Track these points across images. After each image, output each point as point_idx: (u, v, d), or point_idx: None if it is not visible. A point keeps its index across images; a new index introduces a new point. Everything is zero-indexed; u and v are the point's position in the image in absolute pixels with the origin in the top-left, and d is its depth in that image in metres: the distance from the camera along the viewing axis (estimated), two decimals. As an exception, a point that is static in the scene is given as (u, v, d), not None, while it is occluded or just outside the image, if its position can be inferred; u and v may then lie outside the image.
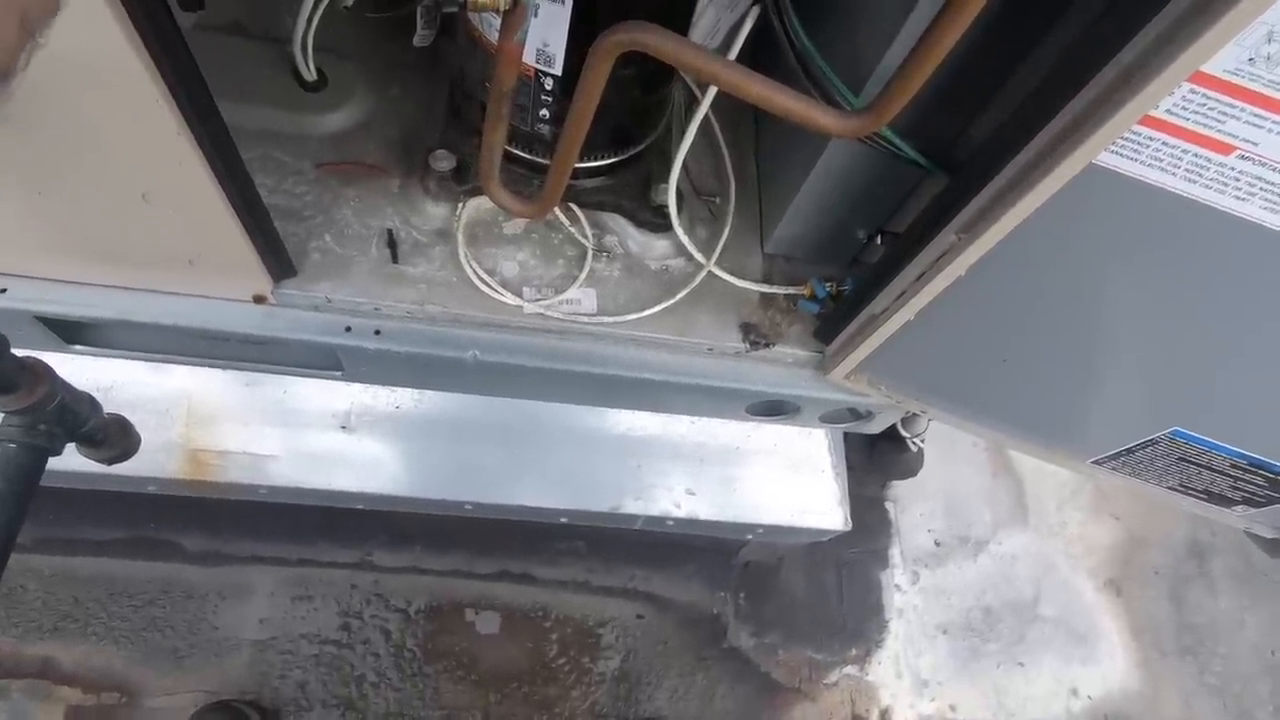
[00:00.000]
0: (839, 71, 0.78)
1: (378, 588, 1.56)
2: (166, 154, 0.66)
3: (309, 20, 0.92)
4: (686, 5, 0.83)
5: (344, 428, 1.15)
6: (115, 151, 0.67)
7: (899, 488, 1.87)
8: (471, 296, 0.96)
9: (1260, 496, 0.97)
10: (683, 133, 0.94)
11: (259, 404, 1.13)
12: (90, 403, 0.83)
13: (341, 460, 1.15)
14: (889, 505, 1.87)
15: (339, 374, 1.04)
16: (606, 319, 0.98)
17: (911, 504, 1.88)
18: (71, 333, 0.97)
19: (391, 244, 0.96)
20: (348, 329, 0.94)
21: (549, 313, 0.97)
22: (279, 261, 0.89)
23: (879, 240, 1.03)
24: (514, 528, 1.48)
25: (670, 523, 1.28)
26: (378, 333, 0.95)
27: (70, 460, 0.83)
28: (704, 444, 1.26)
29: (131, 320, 0.90)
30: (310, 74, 1.00)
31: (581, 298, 1.00)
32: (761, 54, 0.93)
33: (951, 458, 1.92)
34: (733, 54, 0.83)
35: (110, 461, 0.89)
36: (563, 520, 1.29)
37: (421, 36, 1.01)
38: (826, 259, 1.07)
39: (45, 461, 0.76)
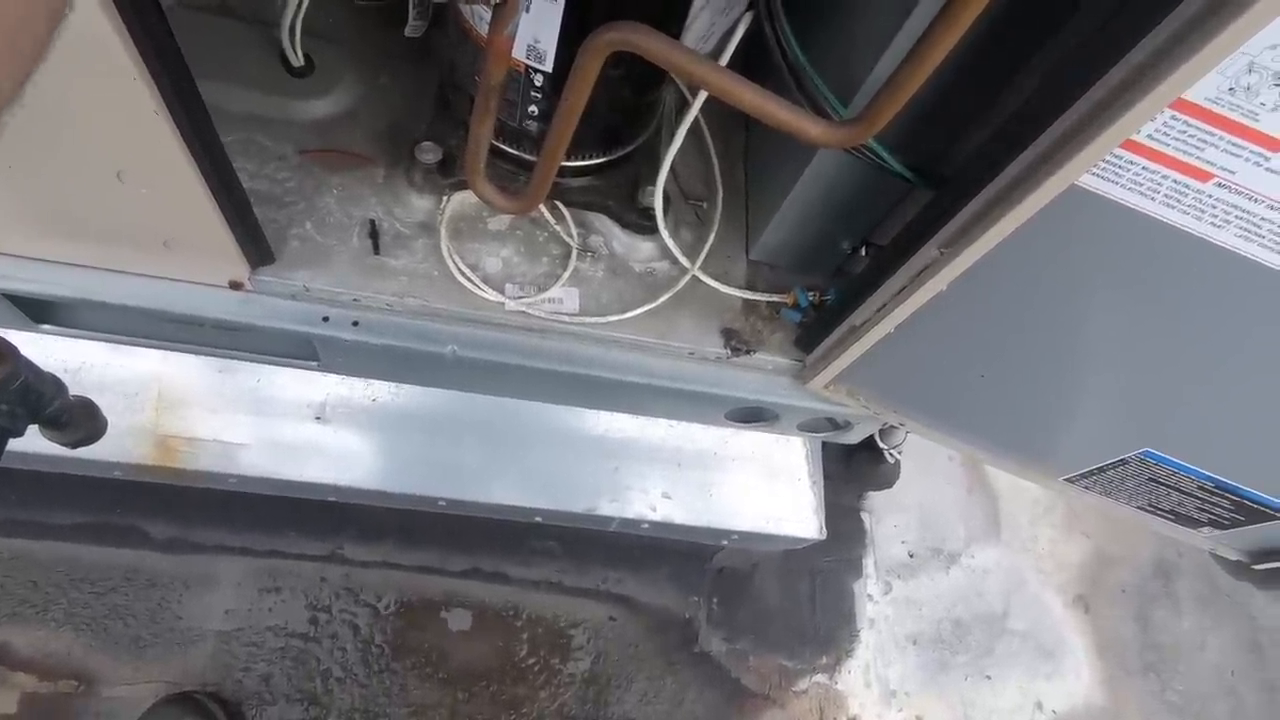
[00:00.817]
0: (829, 81, 0.78)
1: (348, 581, 1.54)
2: (142, 132, 0.65)
3: (298, 4, 0.90)
4: (681, 7, 0.83)
5: (318, 419, 1.14)
6: (89, 127, 0.66)
7: (875, 498, 1.88)
8: (453, 291, 0.95)
9: (1226, 519, 0.98)
10: (672, 135, 0.94)
11: (232, 391, 1.11)
12: (56, 384, 0.80)
13: (315, 451, 1.13)
14: (864, 515, 1.88)
15: (315, 364, 1.02)
16: (588, 319, 0.97)
17: (887, 515, 1.89)
18: (40, 311, 0.95)
19: (373, 234, 0.95)
20: (325, 319, 0.93)
21: (531, 310, 0.96)
22: (257, 247, 0.87)
23: (863, 251, 1.04)
24: (488, 525, 1.47)
25: (645, 525, 1.27)
26: (356, 324, 0.94)
27: (34, 442, 0.81)
28: (682, 448, 1.26)
29: (102, 301, 0.88)
30: (297, 59, 0.99)
31: (564, 297, 0.99)
32: (754, 60, 0.93)
33: (928, 471, 1.93)
34: (725, 59, 0.82)
35: (75, 445, 0.87)
36: (537, 519, 1.28)
37: (413, 27, 1.00)
38: (810, 268, 1.07)
39: (5, 442, 0.74)
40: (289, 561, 1.52)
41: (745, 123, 1.16)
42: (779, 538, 1.30)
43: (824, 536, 1.31)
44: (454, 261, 0.96)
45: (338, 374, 1.09)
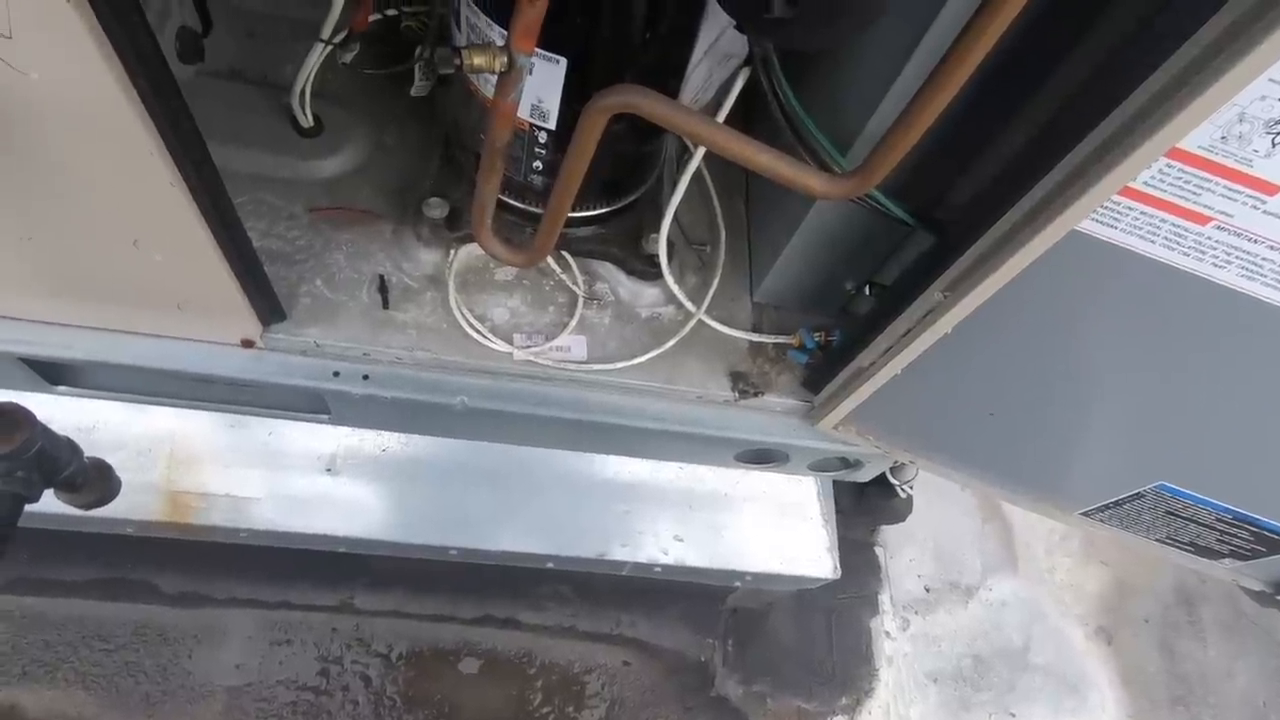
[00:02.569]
0: (827, 131, 0.80)
1: (359, 632, 1.52)
2: (159, 204, 0.67)
3: (309, 72, 0.93)
4: (678, 62, 0.85)
5: (329, 470, 1.14)
6: (108, 200, 0.68)
7: (888, 532, 1.86)
8: (461, 343, 0.96)
9: (1246, 550, 0.97)
10: (675, 183, 0.96)
11: (243, 446, 1.11)
12: (70, 448, 0.81)
13: (325, 503, 1.13)
14: (878, 550, 1.86)
15: (326, 418, 1.03)
16: (596, 366, 0.98)
17: (901, 549, 1.87)
18: (55, 374, 0.96)
19: (383, 289, 0.97)
20: (336, 374, 0.94)
21: (539, 359, 0.97)
22: (268, 306, 0.89)
23: (867, 291, 1.04)
24: (500, 570, 1.46)
25: (658, 569, 1.26)
26: (366, 378, 0.94)
27: (47, 502, 0.82)
28: (692, 490, 1.25)
29: (116, 363, 0.89)
30: (307, 120, 1.01)
31: (571, 345, 1.00)
32: (753, 108, 0.95)
33: (941, 502, 1.92)
34: (724, 111, 0.84)
35: (88, 507, 0.88)
36: (549, 566, 1.28)
37: (419, 87, 1.02)
38: (815, 308, 1.08)
39: (21, 508, 0.74)
40: (299, 613, 1.51)
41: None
42: (793, 578, 1.29)
43: (838, 575, 1.30)
44: (462, 313, 0.97)
45: (349, 426, 1.09)
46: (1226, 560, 1.01)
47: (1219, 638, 1.95)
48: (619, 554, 1.23)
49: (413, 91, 1.02)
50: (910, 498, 1.62)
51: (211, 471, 1.11)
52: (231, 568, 1.47)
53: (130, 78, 0.55)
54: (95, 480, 0.87)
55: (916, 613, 1.83)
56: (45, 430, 0.76)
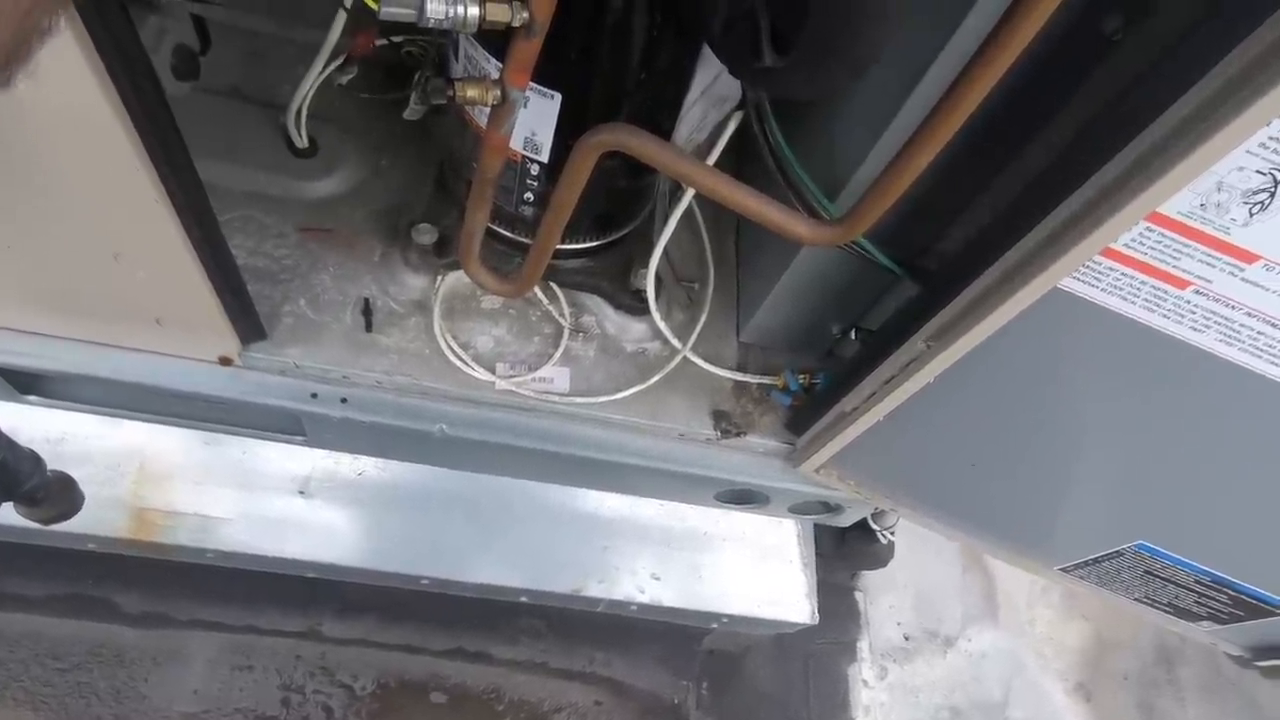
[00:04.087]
0: (816, 177, 0.81)
1: (324, 660, 1.48)
2: (143, 220, 0.66)
3: (306, 93, 0.93)
4: (673, 102, 0.86)
5: (302, 493, 1.12)
6: (90, 213, 0.67)
7: (869, 577, 1.84)
8: (443, 370, 0.95)
9: (1224, 613, 0.96)
10: (665, 219, 0.96)
11: (216, 464, 1.09)
12: (34, 460, 0.79)
13: (296, 527, 1.11)
14: (858, 595, 1.84)
15: (301, 439, 1.01)
16: (578, 399, 0.97)
17: (881, 595, 1.85)
18: (26, 383, 0.94)
19: (367, 312, 0.96)
20: (314, 395, 0.93)
21: (520, 390, 0.96)
22: (249, 325, 0.88)
23: (853, 334, 1.05)
24: (473, 602, 1.43)
25: (634, 607, 1.24)
26: (344, 401, 0.93)
27: (6, 515, 0.80)
28: (672, 527, 1.23)
29: (90, 375, 0.88)
30: (302, 141, 1.02)
31: (555, 376, 0.99)
32: (744, 148, 0.96)
33: (923, 549, 1.90)
34: (715, 154, 0.85)
35: (49, 522, 0.85)
36: (522, 599, 1.25)
37: (413, 111, 1.03)
38: (801, 349, 1.08)
39: (-24, 522, 0.72)
40: (264, 638, 1.47)
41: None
42: (770, 622, 1.27)
43: (816, 621, 1.28)
44: (446, 340, 0.96)
45: (324, 449, 1.08)
46: (1204, 623, 1.01)
47: (1198, 699, 1.93)
48: (595, 590, 1.21)
49: (406, 115, 1.02)
50: (892, 544, 1.60)
51: (181, 489, 1.08)
52: (197, 588, 1.43)
53: (119, 91, 0.55)
54: (57, 495, 0.85)
55: (895, 661, 1.80)
56: (8, 442, 0.74)
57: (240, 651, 1.45)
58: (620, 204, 0.98)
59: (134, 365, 0.88)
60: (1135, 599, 1.01)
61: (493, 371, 0.96)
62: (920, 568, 1.90)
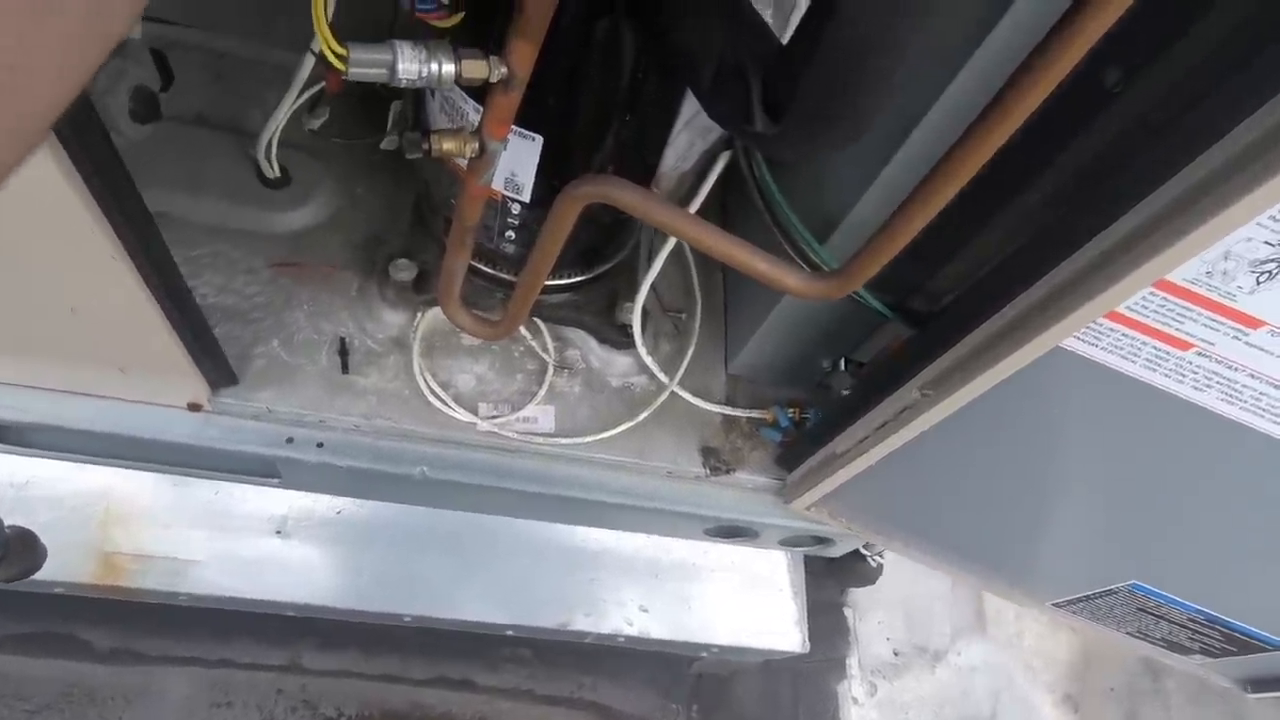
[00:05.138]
0: (806, 217, 0.78)
1: (305, 693, 1.44)
2: (99, 276, 0.62)
3: (276, 127, 0.90)
4: (659, 139, 0.83)
5: (279, 532, 1.08)
6: (44, 270, 0.63)
7: (858, 593, 1.83)
8: (423, 411, 0.92)
9: (1216, 648, 0.96)
10: (651, 252, 0.94)
11: (186, 505, 1.05)
12: (-9, 520, 0.75)
13: (274, 567, 1.07)
14: (847, 611, 1.83)
15: (276, 481, 0.98)
16: (563, 440, 0.95)
17: (870, 611, 1.84)
18: (-16, 431, 0.90)
19: (343, 352, 0.92)
20: (289, 440, 0.89)
21: (503, 431, 0.93)
22: (218, 369, 0.84)
23: (843, 365, 1.03)
24: (455, 630, 1.40)
25: (622, 639, 1.22)
26: (321, 445, 0.90)
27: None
28: (659, 559, 1.21)
29: (53, 424, 0.84)
30: (273, 172, 0.98)
31: (539, 415, 0.96)
32: (731, 185, 0.94)
33: (912, 564, 1.89)
34: (703, 193, 0.83)
35: (9, 580, 0.81)
36: (508, 633, 1.22)
37: (389, 140, 0.99)
38: (790, 381, 1.06)
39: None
40: (242, 672, 1.43)
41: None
42: (760, 651, 1.25)
43: (807, 650, 1.26)
44: (425, 380, 0.93)
45: (300, 491, 1.04)
46: (1197, 656, 1.00)
47: (1183, 709, 1.94)
48: (582, 624, 1.19)
49: (383, 145, 0.98)
50: (881, 565, 1.59)
51: (150, 532, 1.04)
52: (169, 624, 1.39)
53: (69, 155, 0.51)
54: (18, 553, 0.81)
55: (884, 678, 1.79)
56: (-39, 506, 0.70)
57: (218, 687, 1.41)
58: (605, 238, 0.95)
59: (99, 413, 0.85)
60: (1128, 633, 1.00)
61: (475, 412, 0.93)
62: (910, 582, 1.89)
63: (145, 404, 0.86)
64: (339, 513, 1.10)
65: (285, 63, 0.91)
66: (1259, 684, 1.01)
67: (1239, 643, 0.92)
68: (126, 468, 0.96)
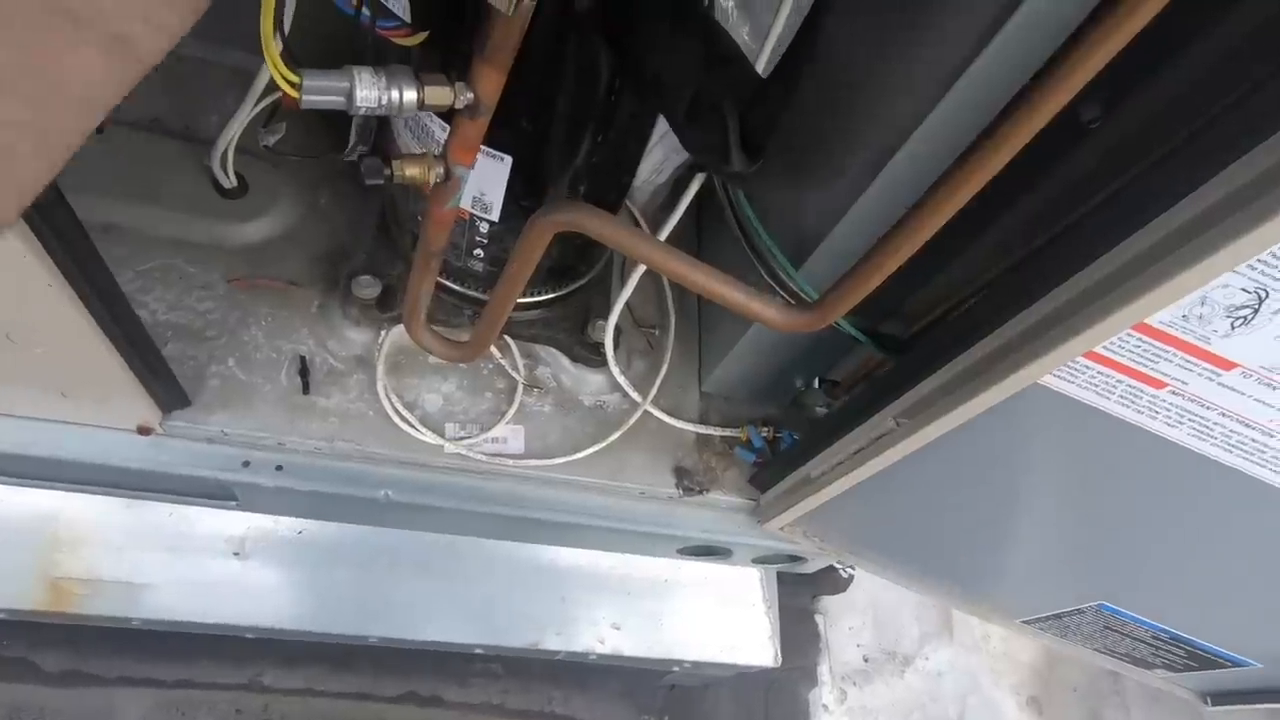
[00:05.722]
0: (782, 239, 0.77)
1: (267, 712, 1.40)
2: (36, 303, 0.59)
3: (232, 136, 0.86)
4: (631, 159, 0.81)
5: (237, 554, 1.04)
6: (-26, 295, 0.59)
7: (829, 599, 1.84)
8: (388, 433, 0.89)
9: (1179, 664, 0.97)
10: (625, 270, 0.92)
11: (139, 527, 1.01)
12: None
13: (232, 590, 1.03)
14: (819, 618, 1.84)
15: (233, 504, 0.94)
16: (533, 462, 0.92)
17: (841, 617, 1.85)
18: (-84, 455, 0.85)
19: (303, 372, 0.89)
20: (245, 464, 0.86)
21: (471, 453, 0.91)
22: (169, 391, 0.80)
23: (817, 384, 1.02)
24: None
25: (594, 657, 1.20)
26: (279, 469, 0.86)
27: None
28: (631, 575, 1.20)
29: (-11, 449, 0.79)
30: (230, 182, 0.94)
31: (508, 436, 0.94)
32: (705, 206, 0.92)
33: (881, 569, 1.91)
34: (676, 216, 0.81)
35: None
36: (478, 652, 1.20)
37: (353, 150, 0.96)
38: (764, 399, 1.05)
39: None
40: (201, 692, 1.39)
41: (698, 250, 1.14)
42: (732, 666, 1.24)
43: (779, 664, 1.26)
44: (390, 400, 0.90)
45: (258, 513, 1.01)
46: (1159, 670, 1.02)
47: (1142, 707, 1.99)
48: (553, 643, 1.17)
49: (345, 155, 0.95)
50: (852, 576, 1.60)
51: (100, 555, 1.00)
52: (124, 645, 1.34)
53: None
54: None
55: (855, 684, 1.80)
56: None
57: (175, 708, 1.37)
58: (577, 256, 0.93)
59: (39, 436, 0.80)
60: (1094, 649, 1.01)
61: (442, 433, 0.91)
62: (880, 588, 1.91)
63: (91, 427, 0.81)
64: (300, 533, 1.07)
65: (245, 65, 0.87)
66: (1219, 697, 1.03)
67: (1200, 659, 0.93)
68: (74, 491, 0.92)
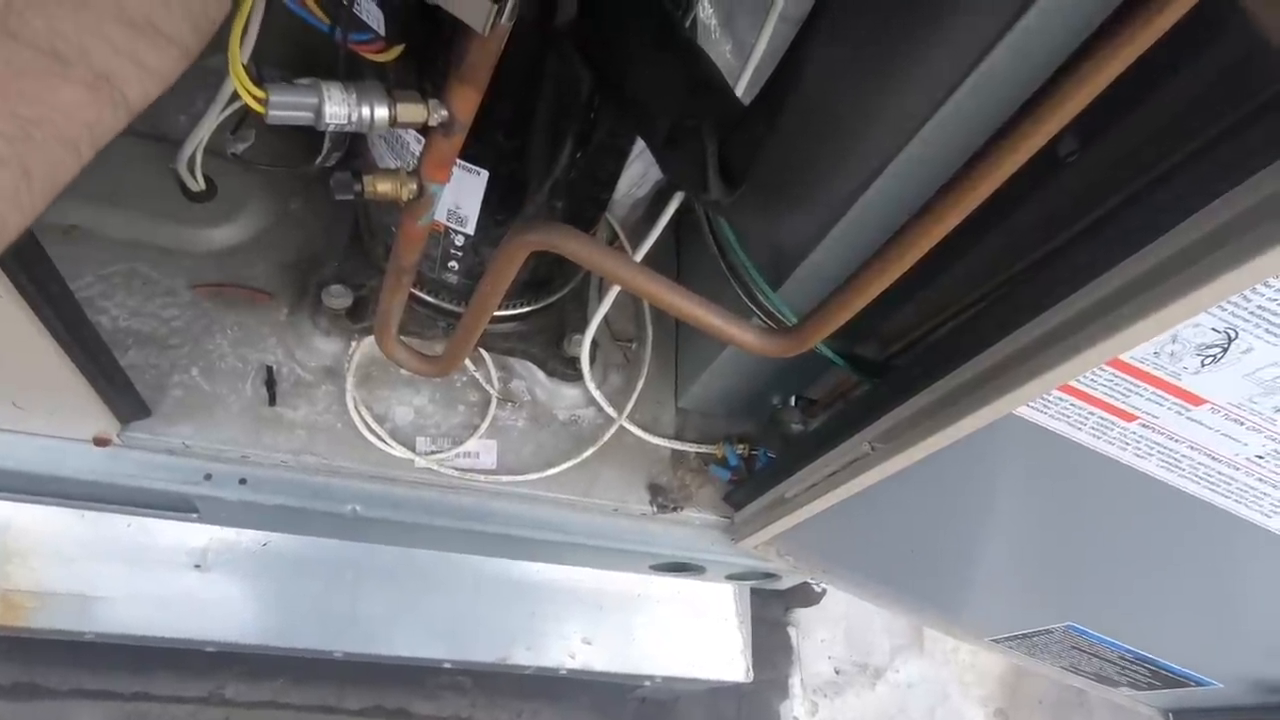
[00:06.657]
0: (760, 258, 0.77)
1: (227, 726, 1.37)
2: (-17, 314, 0.56)
3: (200, 139, 0.83)
4: (610, 175, 0.80)
5: (198, 566, 1.01)
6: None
7: (801, 611, 1.85)
8: (356, 446, 0.87)
9: (1143, 682, 0.99)
10: (602, 282, 0.91)
11: (94, 539, 0.98)
12: None
13: (192, 604, 1.00)
14: (791, 630, 1.84)
15: (194, 516, 0.91)
16: (506, 478, 0.91)
17: (814, 629, 1.86)
18: None
19: (270, 383, 0.87)
20: (207, 476, 0.83)
21: (442, 468, 0.89)
22: (127, 401, 0.78)
23: (794, 402, 1.02)
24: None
25: (564, 672, 1.19)
26: (243, 482, 0.84)
27: None
28: (603, 589, 1.19)
29: (-67, 459, 0.76)
30: (197, 184, 0.91)
31: (481, 450, 0.92)
32: (684, 224, 0.91)
33: (853, 580, 1.92)
34: (655, 232, 0.80)
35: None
36: (446, 666, 1.18)
37: (326, 157, 0.94)
38: (740, 416, 1.05)
39: None
40: (159, 705, 1.35)
41: (678, 265, 1.14)
42: (704, 681, 1.24)
43: (750, 679, 1.26)
44: (360, 413, 0.88)
45: (221, 526, 0.98)
46: (1124, 689, 1.03)
47: (1106, 717, 2.02)
48: (522, 657, 1.15)
49: (319, 162, 0.93)
50: (825, 590, 1.60)
51: (52, 567, 0.96)
52: (78, 656, 1.29)
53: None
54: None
55: (826, 696, 1.81)
56: None
57: (131, 721, 1.33)
58: (554, 269, 0.91)
59: (-11, 447, 0.77)
60: (1061, 667, 1.02)
61: (412, 447, 0.89)
62: (852, 601, 1.91)
63: (45, 437, 0.78)
64: (265, 545, 1.04)
65: (216, 65, 0.85)
66: (1181, 714, 1.05)
67: (1164, 678, 0.95)
68: (25, 502, 0.88)
